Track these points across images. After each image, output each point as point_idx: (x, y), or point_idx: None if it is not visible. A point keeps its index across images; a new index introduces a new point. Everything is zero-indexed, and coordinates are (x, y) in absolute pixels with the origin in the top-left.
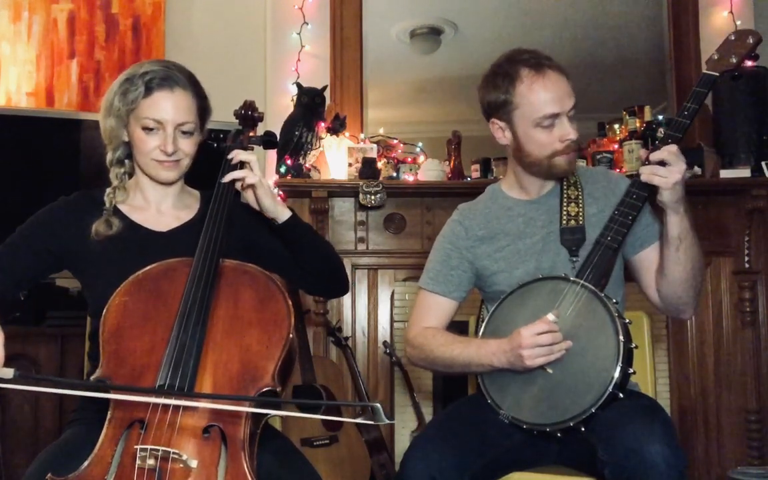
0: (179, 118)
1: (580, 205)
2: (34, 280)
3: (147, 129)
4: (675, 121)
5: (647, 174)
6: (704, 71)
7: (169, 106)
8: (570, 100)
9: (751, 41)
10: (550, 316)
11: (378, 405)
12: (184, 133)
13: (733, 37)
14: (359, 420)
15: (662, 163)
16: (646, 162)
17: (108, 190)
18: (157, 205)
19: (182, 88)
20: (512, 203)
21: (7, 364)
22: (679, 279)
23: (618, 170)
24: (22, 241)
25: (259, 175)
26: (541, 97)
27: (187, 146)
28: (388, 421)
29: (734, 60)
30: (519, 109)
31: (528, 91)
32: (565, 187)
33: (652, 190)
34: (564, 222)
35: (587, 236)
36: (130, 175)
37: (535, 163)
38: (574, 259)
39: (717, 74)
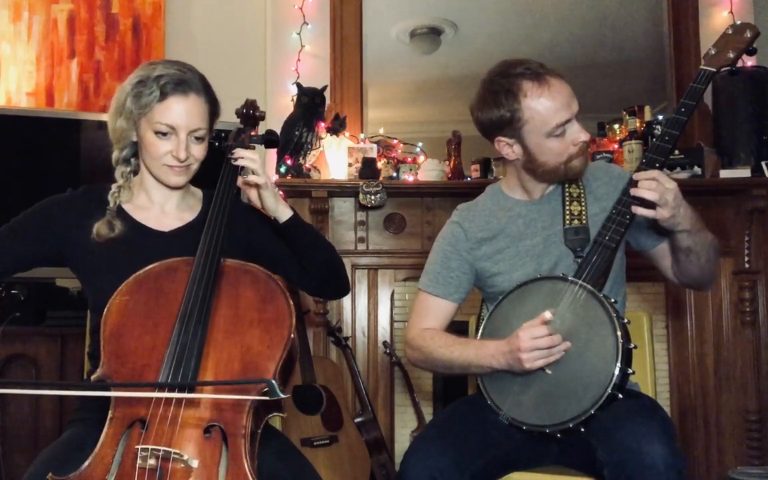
0: (193, 124)
1: (583, 204)
2: (32, 265)
3: (160, 133)
4: (672, 118)
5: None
6: (701, 66)
7: (183, 112)
8: (575, 102)
9: (748, 35)
10: (547, 314)
11: (272, 380)
12: (196, 139)
13: (730, 32)
14: (258, 397)
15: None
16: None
17: (113, 189)
18: (161, 205)
19: (196, 94)
20: (512, 204)
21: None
22: (697, 273)
23: None
24: (24, 225)
25: (265, 177)
26: (550, 107)
27: (198, 152)
28: (282, 396)
29: (732, 55)
30: (529, 123)
31: (536, 103)
32: (566, 186)
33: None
34: (567, 222)
35: (591, 236)
36: (135, 172)
37: (551, 171)
38: (579, 260)
39: (714, 69)
